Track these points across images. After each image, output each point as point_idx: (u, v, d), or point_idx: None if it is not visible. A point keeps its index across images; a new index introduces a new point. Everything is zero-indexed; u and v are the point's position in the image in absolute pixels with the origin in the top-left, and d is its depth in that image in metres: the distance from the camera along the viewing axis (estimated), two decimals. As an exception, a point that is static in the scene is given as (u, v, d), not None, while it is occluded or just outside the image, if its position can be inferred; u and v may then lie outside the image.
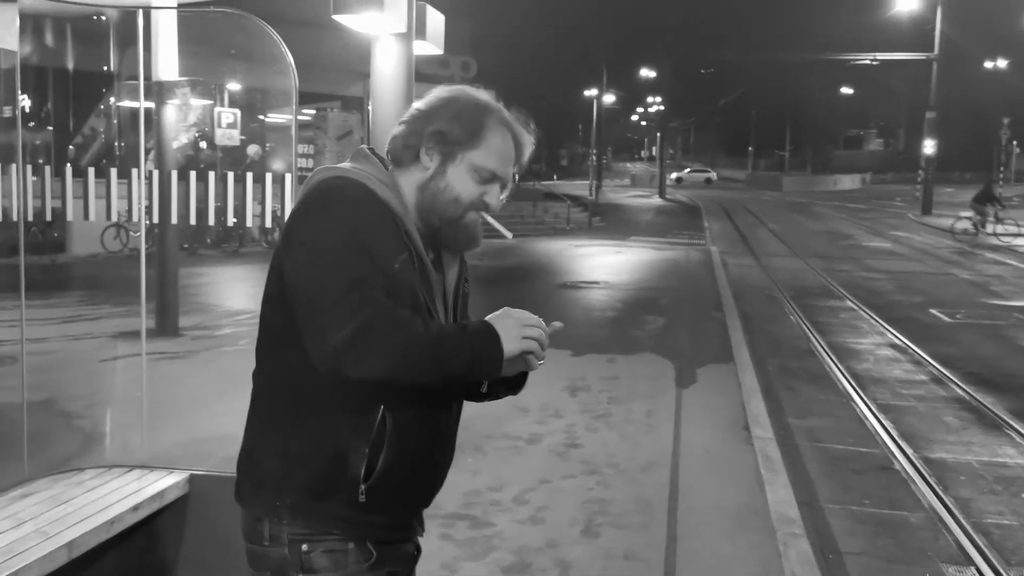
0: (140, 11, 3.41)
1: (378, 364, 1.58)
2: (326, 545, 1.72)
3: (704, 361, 8.63)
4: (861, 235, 26.05)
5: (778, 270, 16.97)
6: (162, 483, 3.41)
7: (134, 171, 3.81)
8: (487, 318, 1.70)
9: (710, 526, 4.56)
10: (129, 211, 4.74)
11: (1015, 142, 51.23)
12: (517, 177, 1.90)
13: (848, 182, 63.77)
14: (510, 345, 1.66)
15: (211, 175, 4.47)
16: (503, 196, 1.86)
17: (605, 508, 4.75)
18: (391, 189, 1.77)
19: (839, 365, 8.78)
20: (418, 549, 1.94)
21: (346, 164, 1.82)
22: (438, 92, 1.84)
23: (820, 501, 5.28)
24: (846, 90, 73.83)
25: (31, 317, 8.76)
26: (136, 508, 3.23)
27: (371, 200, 1.72)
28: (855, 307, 12.63)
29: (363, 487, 1.70)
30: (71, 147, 16.10)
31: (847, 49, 47.33)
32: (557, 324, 1.79)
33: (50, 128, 15.99)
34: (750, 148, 79.59)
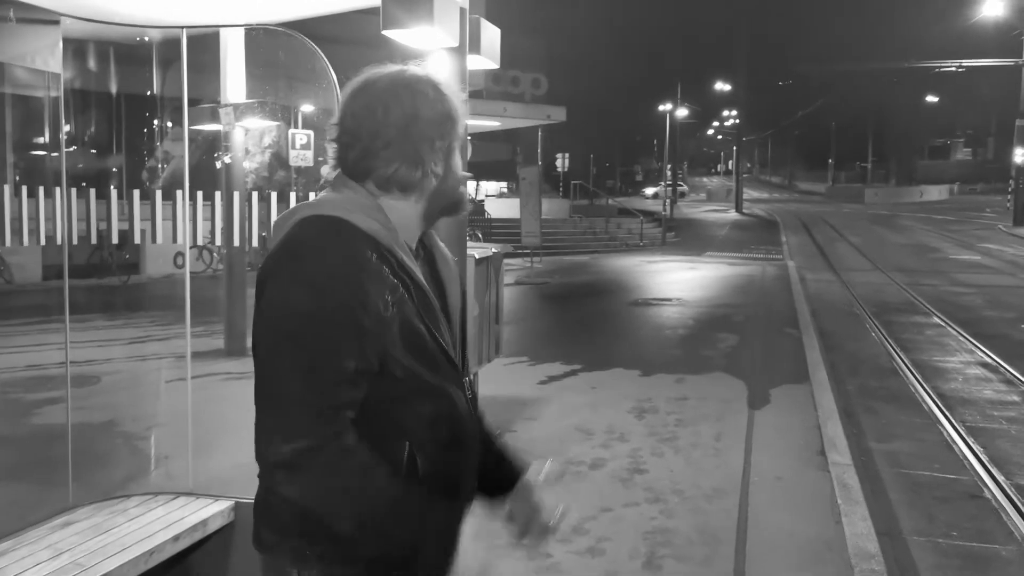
0: (183, 31, 3.37)
1: (315, 495, 1.50)
2: None
3: (778, 381, 8.29)
4: (948, 248, 25.08)
5: (859, 285, 16.38)
6: (205, 511, 3.34)
7: (216, 194, 3.79)
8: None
9: (780, 561, 4.28)
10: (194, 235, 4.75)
11: (1113, 148, 48.93)
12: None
13: (934, 193, 61.85)
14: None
15: (272, 196, 4.43)
16: None
17: (668, 539, 4.52)
18: (376, 213, 1.62)
19: (924, 385, 8.34)
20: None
21: (326, 196, 1.67)
22: (389, 107, 1.62)
23: (902, 532, 4.94)
24: (931, 98, 71.61)
25: (98, 339, 8.98)
26: (176, 538, 3.16)
27: (355, 239, 1.56)
28: (942, 323, 12.07)
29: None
30: (145, 171, 16.57)
31: (931, 56, 45.88)
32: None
33: (101, 151, 16.45)
34: (830, 160, 77.78)
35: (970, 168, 76.69)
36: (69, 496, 3.51)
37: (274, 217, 4.45)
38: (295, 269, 1.52)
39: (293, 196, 4.35)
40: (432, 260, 1.78)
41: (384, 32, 4.21)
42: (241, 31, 7.75)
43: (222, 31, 7.44)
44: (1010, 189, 36.64)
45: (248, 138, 8.79)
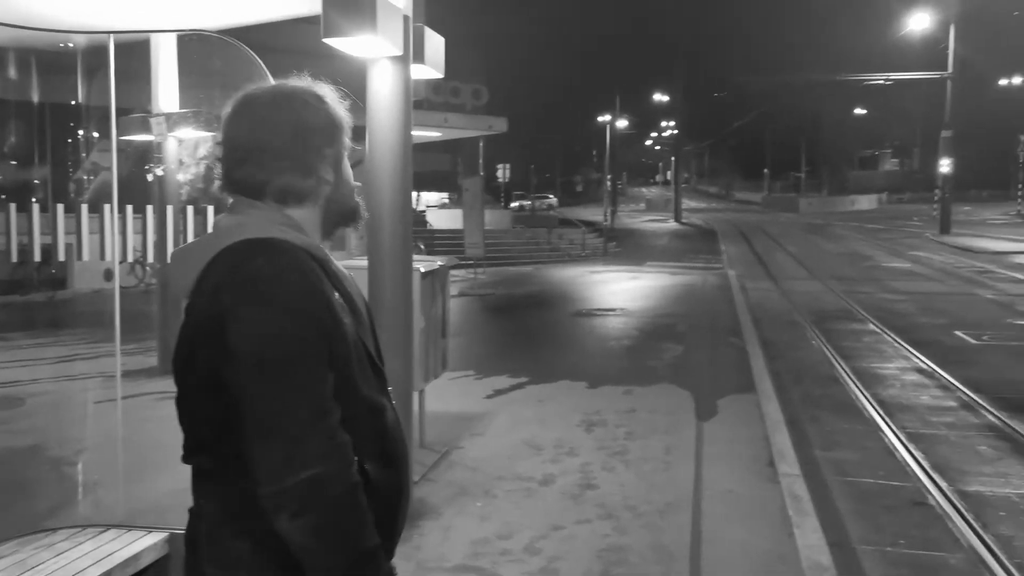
0: (110, 37, 3.20)
1: (325, 519, 1.46)
2: None
3: (725, 391, 8.31)
4: (880, 256, 25.66)
5: (798, 294, 16.63)
6: (137, 545, 3.16)
7: (148, 207, 3.61)
8: None
9: (735, 576, 4.24)
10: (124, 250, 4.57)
11: (1033, 159, 50.78)
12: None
13: (865, 202, 63.47)
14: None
15: (209, 210, 4.28)
16: None
17: (623, 557, 4.44)
18: (297, 229, 1.61)
19: (865, 392, 8.44)
20: None
21: (240, 219, 1.60)
22: (274, 121, 1.61)
23: (852, 542, 4.95)
24: (860, 111, 73.62)
25: (22, 358, 8.60)
26: (107, 574, 2.97)
27: (301, 257, 1.54)
28: (878, 330, 12.28)
29: None
30: (72, 183, 16.05)
31: (861, 69, 47.15)
32: None
33: (20, 163, 15.91)
34: (766, 170, 79.36)
35: (898, 178, 78.96)
36: (-8, 530, 3.29)
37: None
38: (261, 297, 1.48)
39: (211, 210, 4.21)
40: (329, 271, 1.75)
41: (325, 40, 4.08)
42: (174, 38, 7.53)
43: (153, 37, 7.21)
44: (936, 198, 37.71)
45: (182, 149, 8.53)
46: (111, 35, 3.23)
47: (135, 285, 15.11)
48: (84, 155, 16.33)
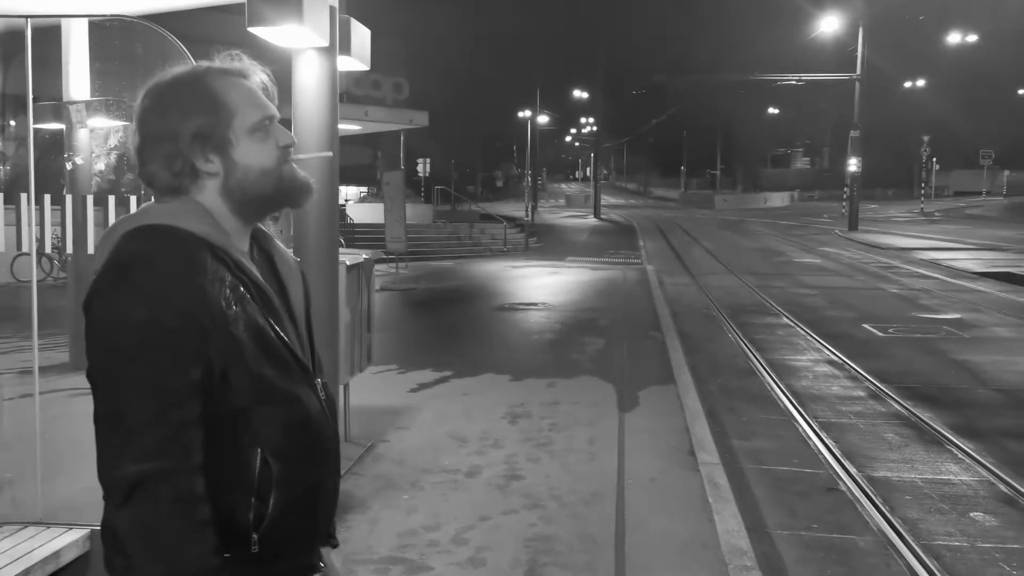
0: (27, 21, 3.10)
1: (159, 520, 1.41)
2: None
3: (645, 383, 8.47)
4: (792, 251, 26.43)
5: (714, 288, 17.02)
6: (58, 542, 3.08)
7: (23, 197, 3.48)
8: None
9: (659, 562, 4.35)
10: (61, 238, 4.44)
11: (935, 159, 53.04)
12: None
13: (777, 199, 65.25)
14: None
15: (132, 200, 4.18)
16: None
17: (549, 546, 4.51)
18: (203, 216, 1.55)
19: (779, 383, 8.72)
20: None
21: (148, 205, 1.58)
22: (142, 109, 1.58)
23: (767, 527, 5.12)
24: (773, 110, 75.62)
25: (-70, 354, 8.23)
26: (27, 572, 2.89)
27: (183, 247, 1.49)
28: (791, 323, 12.67)
29: (255, 538, 1.52)
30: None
31: (774, 70, 48.45)
32: None
33: None
34: (682, 168, 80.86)
35: (809, 176, 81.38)
36: (-102, 532, 3.16)
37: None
38: (124, 282, 1.44)
39: (133, 200, 4.14)
40: (270, 260, 1.71)
41: (250, 29, 4.03)
42: (85, 23, 7.29)
43: (65, 23, 6.98)
44: (845, 196, 38.99)
45: (92, 138, 8.27)
46: (28, 19, 3.13)
47: (43, 279, 14.60)
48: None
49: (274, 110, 1.64)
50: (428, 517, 4.88)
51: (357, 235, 22.08)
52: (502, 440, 6.48)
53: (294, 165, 1.65)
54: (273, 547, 1.55)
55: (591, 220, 44.65)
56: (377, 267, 9.84)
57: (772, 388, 8.62)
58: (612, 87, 58.42)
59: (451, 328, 12.59)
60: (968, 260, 22.27)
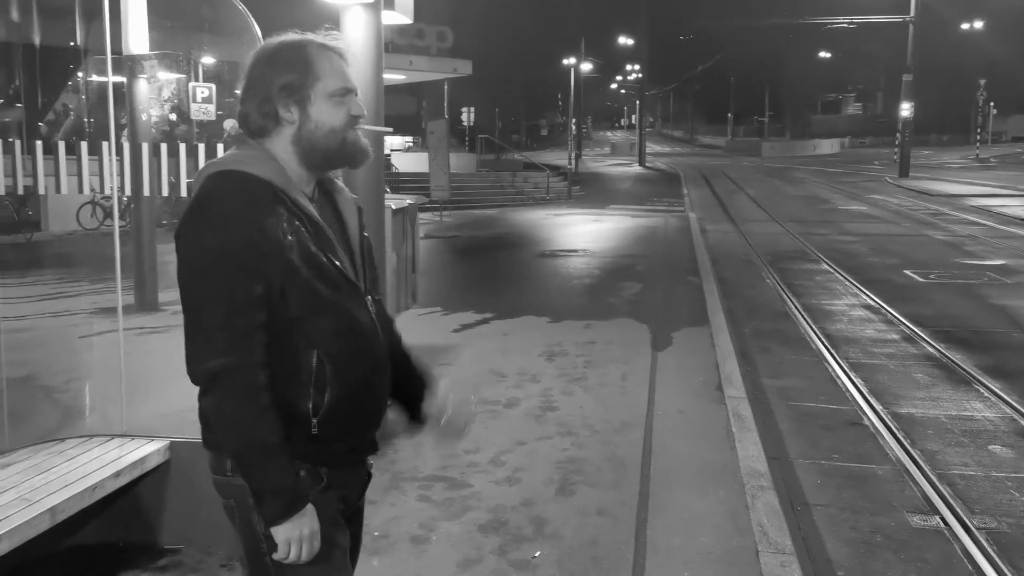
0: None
1: (230, 403, 1.80)
2: None
3: (680, 325, 8.74)
4: (838, 199, 26.23)
5: (756, 235, 17.10)
6: (143, 450, 3.50)
7: (104, 145, 3.84)
8: (306, 505, 1.87)
9: (681, 483, 4.67)
10: (102, 187, 4.74)
11: (991, 103, 51.59)
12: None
13: (827, 146, 64.05)
14: (286, 529, 1.83)
15: (182, 148, 4.48)
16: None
17: (579, 468, 4.86)
18: (270, 163, 1.91)
19: (813, 326, 8.92)
20: (369, 474, 2.14)
21: (228, 153, 1.95)
22: (252, 60, 1.94)
23: (789, 456, 5.41)
24: (824, 54, 73.77)
25: (8, 296, 8.80)
26: (117, 474, 3.31)
27: (251, 185, 1.85)
28: (831, 269, 12.79)
29: (314, 422, 1.89)
30: (42, 124, 15.95)
31: (824, 13, 47.27)
32: None
33: (18, 105, 15.79)
34: (729, 115, 79.59)
35: (860, 122, 79.61)
36: (5, 440, 3.60)
37: (182, 171, 4.53)
38: (200, 217, 1.82)
39: (202, 149, 4.41)
40: (332, 200, 2.05)
41: (301, -13, 4.32)
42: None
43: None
44: (897, 142, 38.31)
45: (151, 90, 8.65)
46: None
47: (97, 227, 15.19)
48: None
49: (353, 85, 1.98)
50: (468, 443, 5.25)
51: (402, 184, 22.42)
52: (539, 375, 6.82)
53: (359, 132, 1.99)
54: (331, 430, 1.92)
55: (635, 168, 44.45)
56: (421, 215, 10.15)
57: (806, 331, 8.83)
58: (658, 33, 57.47)
59: (493, 273, 12.92)
60: (1020, 207, 21.95)
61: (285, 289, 1.83)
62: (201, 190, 1.85)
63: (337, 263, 1.92)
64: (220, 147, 4.08)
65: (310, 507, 1.87)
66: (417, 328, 8.09)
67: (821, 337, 8.49)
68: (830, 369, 7.44)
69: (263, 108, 1.91)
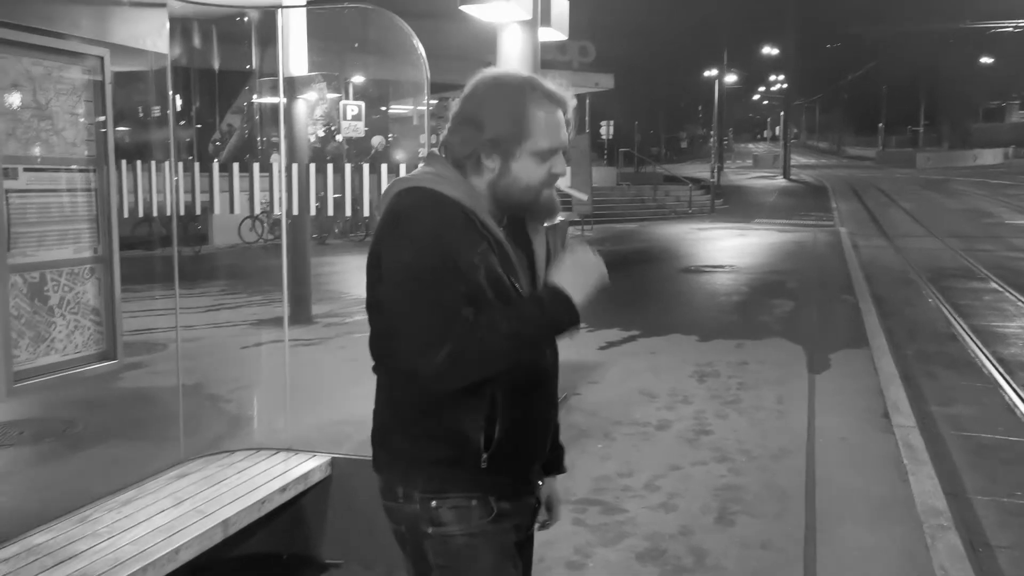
0: (279, 11, 3.53)
1: (472, 376, 1.77)
2: (452, 502, 1.86)
3: (837, 346, 8.34)
4: (1004, 213, 24.62)
5: (913, 251, 16.23)
6: (306, 465, 3.56)
7: (273, 165, 3.97)
8: (553, 278, 1.81)
9: (850, 517, 4.41)
10: (270, 203, 4.91)
11: None
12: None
13: (989, 157, 60.31)
14: (580, 296, 1.79)
15: (329, 167, 4.59)
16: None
17: (738, 496, 4.66)
18: (462, 186, 1.87)
19: (984, 350, 8.34)
20: (538, 500, 2.09)
21: (418, 170, 1.93)
22: (471, 90, 1.90)
23: (967, 492, 5.03)
24: (985, 60, 69.62)
25: (185, 306, 9.31)
26: (284, 489, 3.38)
27: (443, 205, 1.82)
28: (999, 288, 11.97)
29: (484, 456, 1.85)
30: (211, 144, 16.90)
31: (986, 16, 44.66)
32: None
33: (198, 125, 16.72)
34: (880, 124, 76.24)
35: (1026, 131, 74.63)
36: (181, 450, 3.75)
37: (330, 189, 4.63)
38: (399, 234, 1.81)
39: (348, 167, 4.48)
40: (522, 222, 1.99)
41: (462, 8, 4.35)
42: (302, 10, 7.92)
43: (281, 11, 7.63)
44: (1068, 152, 35.69)
45: (307, 110, 8.98)
46: (279, 9, 3.57)
47: (255, 241, 15.98)
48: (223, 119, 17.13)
49: (563, 142, 1.92)
50: (621, 465, 5.14)
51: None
52: (691, 397, 6.63)
53: (554, 191, 1.95)
54: (500, 464, 1.87)
55: (780, 181, 43.16)
56: (566, 229, 10.07)
57: (976, 354, 8.26)
58: (804, 41, 55.66)
59: (637, 289, 12.74)
60: None
61: (476, 305, 1.79)
62: (397, 206, 1.84)
63: (518, 286, 1.88)
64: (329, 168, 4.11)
65: (563, 274, 1.82)
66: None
67: (993, 361, 7.92)
68: (1006, 397, 6.92)
69: (466, 148, 1.88)
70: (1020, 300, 11.02)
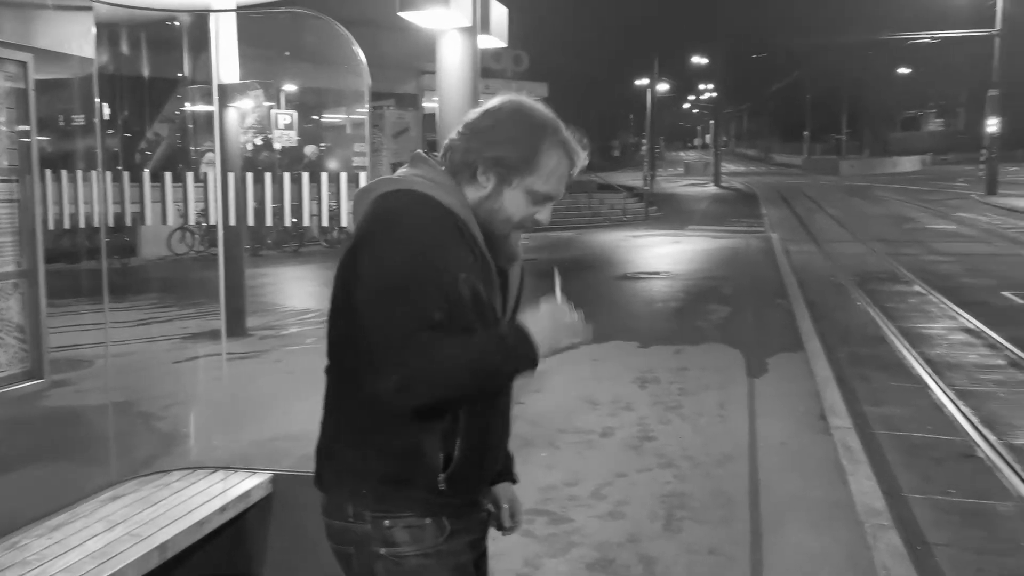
0: (211, 16, 3.43)
1: (426, 398, 1.70)
2: (406, 521, 1.81)
3: (773, 350, 8.48)
4: (924, 218, 25.42)
5: (841, 256, 16.63)
6: (246, 484, 3.44)
7: (208, 174, 3.85)
8: (525, 321, 1.77)
9: (794, 520, 4.46)
10: (205, 213, 4.77)
11: (1084, 117, 49.54)
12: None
13: (908, 164, 62.32)
14: (546, 349, 1.75)
15: (267, 176, 4.49)
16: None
17: (684, 502, 4.68)
18: (454, 193, 1.82)
19: (912, 351, 8.56)
20: (489, 512, 2.06)
21: (404, 171, 1.86)
22: (496, 106, 1.86)
23: (903, 491, 5.14)
24: (903, 70, 71.95)
25: (113, 320, 9.01)
26: (223, 509, 3.26)
27: (435, 211, 1.77)
28: (924, 291, 12.32)
29: (442, 476, 1.80)
30: (137, 153, 16.46)
31: (904, 28, 46.11)
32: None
33: (127, 134, 16.28)
34: (805, 132, 78.15)
35: (942, 139, 77.25)
36: (113, 472, 3.59)
37: (268, 197, 4.52)
38: (390, 235, 1.72)
39: (287, 176, 4.40)
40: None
41: (400, 14, 4.29)
42: (232, 15, 7.76)
43: (212, 15, 7.45)
44: (982, 159, 37.00)
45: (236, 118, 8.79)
46: (210, 14, 3.47)
47: (186, 252, 15.59)
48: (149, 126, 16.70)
49: (558, 195, 1.88)
50: (566, 474, 5.12)
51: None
52: (633, 403, 6.65)
53: (519, 238, 1.94)
54: (454, 484, 1.83)
55: (711, 188, 43.90)
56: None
57: (904, 356, 8.48)
58: (732, 51, 56.73)
59: (574, 297, 12.56)
60: (1120, 224, 20.95)
61: (449, 321, 1.73)
62: (386, 206, 1.77)
63: (493, 303, 1.84)
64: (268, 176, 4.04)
65: (536, 321, 1.77)
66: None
67: (921, 362, 8.13)
68: (935, 397, 7.10)
69: (468, 157, 1.83)
70: (943, 302, 11.36)
